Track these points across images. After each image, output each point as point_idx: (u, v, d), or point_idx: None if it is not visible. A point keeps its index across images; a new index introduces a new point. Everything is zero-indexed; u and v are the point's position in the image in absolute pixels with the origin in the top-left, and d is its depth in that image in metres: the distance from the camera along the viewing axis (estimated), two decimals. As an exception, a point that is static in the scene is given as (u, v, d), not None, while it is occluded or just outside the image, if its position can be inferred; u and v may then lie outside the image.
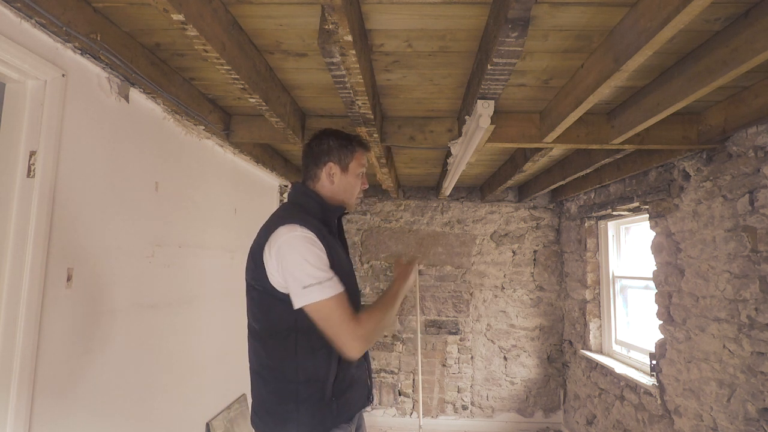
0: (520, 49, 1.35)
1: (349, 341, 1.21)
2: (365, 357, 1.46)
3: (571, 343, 4.19)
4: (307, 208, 1.38)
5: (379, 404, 4.48)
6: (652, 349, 2.81)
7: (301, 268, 1.20)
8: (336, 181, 1.45)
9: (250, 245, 1.35)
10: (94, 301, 1.71)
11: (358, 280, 1.53)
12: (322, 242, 1.26)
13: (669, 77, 1.76)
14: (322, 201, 1.42)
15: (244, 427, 3.06)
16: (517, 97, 2.10)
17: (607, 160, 2.76)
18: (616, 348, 3.63)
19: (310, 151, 1.47)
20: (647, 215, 2.90)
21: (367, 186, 1.54)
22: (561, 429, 4.29)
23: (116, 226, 1.82)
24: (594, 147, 2.38)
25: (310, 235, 1.24)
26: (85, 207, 1.65)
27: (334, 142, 1.45)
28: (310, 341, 1.26)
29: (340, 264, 1.32)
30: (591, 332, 3.83)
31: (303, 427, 1.26)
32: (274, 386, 1.29)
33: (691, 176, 2.43)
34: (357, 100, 1.81)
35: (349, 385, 1.35)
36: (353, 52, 1.39)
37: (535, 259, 4.50)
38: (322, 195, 1.45)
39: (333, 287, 1.21)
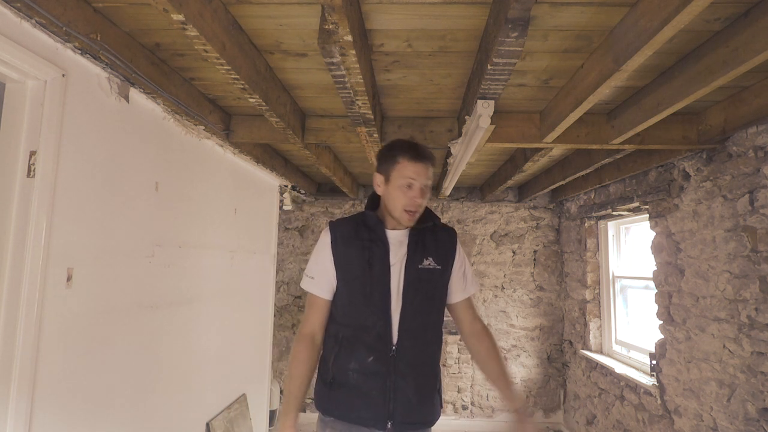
0: (520, 49, 1.35)
1: (299, 329, 1.51)
2: (389, 378, 1.38)
3: (571, 343, 4.19)
4: (364, 211, 1.51)
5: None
6: (652, 349, 2.81)
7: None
8: (382, 191, 1.46)
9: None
10: (94, 301, 1.71)
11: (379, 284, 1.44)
12: (333, 244, 1.44)
13: (669, 77, 1.76)
14: (367, 209, 1.51)
15: (244, 427, 3.06)
16: (517, 97, 2.10)
17: (607, 160, 2.76)
18: (616, 348, 3.63)
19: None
20: (647, 215, 2.90)
21: (419, 200, 1.38)
22: (561, 429, 4.29)
23: (116, 226, 1.82)
24: (594, 147, 2.38)
25: (325, 238, 1.47)
26: (85, 207, 1.65)
27: (383, 152, 1.47)
28: (330, 327, 1.49)
29: (348, 267, 1.44)
30: (591, 332, 3.83)
31: (314, 395, 1.50)
32: None
33: (691, 176, 2.43)
34: (357, 100, 1.81)
35: (345, 385, 1.40)
36: (353, 52, 1.39)
37: (535, 259, 4.50)
38: (381, 201, 1.49)
39: (308, 285, 1.48)
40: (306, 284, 1.48)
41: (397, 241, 1.44)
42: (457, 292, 1.53)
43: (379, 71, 1.89)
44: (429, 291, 1.44)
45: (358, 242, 1.43)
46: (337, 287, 1.45)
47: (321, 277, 1.45)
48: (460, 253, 1.53)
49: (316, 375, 1.50)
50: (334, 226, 1.48)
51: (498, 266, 4.51)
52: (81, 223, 1.63)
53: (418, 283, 1.42)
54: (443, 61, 1.78)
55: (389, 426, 1.38)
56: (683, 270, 2.48)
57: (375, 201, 1.52)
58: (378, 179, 1.45)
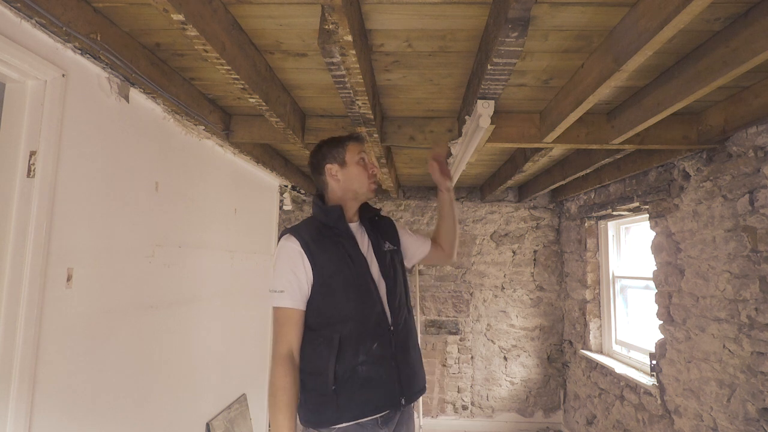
0: (520, 49, 1.35)
1: (273, 351, 1.39)
2: (393, 358, 1.42)
3: (571, 343, 4.19)
4: (315, 216, 1.53)
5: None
6: (652, 349, 2.81)
7: (272, 275, 1.43)
8: (341, 178, 1.52)
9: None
10: (94, 301, 1.71)
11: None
12: (305, 248, 1.40)
13: (669, 77, 1.76)
14: (322, 205, 1.53)
15: (244, 427, 3.06)
16: (517, 97, 2.10)
17: (607, 160, 2.76)
18: (616, 348, 3.63)
19: (311, 166, 1.58)
20: (647, 215, 2.90)
21: (377, 171, 1.56)
22: (561, 429, 4.29)
23: (116, 226, 1.82)
24: (594, 147, 2.38)
25: (291, 245, 1.41)
26: (85, 207, 1.65)
27: (325, 147, 1.56)
28: (314, 337, 1.41)
29: (328, 265, 1.42)
30: (591, 332, 3.83)
31: (307, 414, 1.40)
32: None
33: (691, 176, 2.43)
34: (357, 100, 1.81)
35: (353, 383, 1.37)
36: (353, 52, 1.39)
37: (535, 259, 4.50)
38: (331, 199, 1.55)
39: (277, 300, 1.39)
40: (277, 300, 1.38)
41: (357, 233, 1.54)
42: (422, 245, 1.72)
43: (379, 71, 1.89)
44: (397, 269, 1.57)
45: (327, 239, 1.45)
46: (314, 292, 1.40)
47: (293, 287, 1.38)
48: (399, 229, 1.70)
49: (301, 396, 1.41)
50: (297, 232, 1.44)
51: (498, 266, 4.51)
52: (81, 223, 1.63)
53: (391, 264, 1.54)
54: (443, 61, 1.78)
55: (403, 402, 1.43)
56: (683, 270, 2.48)
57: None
58: (332, 169, 1.52)
